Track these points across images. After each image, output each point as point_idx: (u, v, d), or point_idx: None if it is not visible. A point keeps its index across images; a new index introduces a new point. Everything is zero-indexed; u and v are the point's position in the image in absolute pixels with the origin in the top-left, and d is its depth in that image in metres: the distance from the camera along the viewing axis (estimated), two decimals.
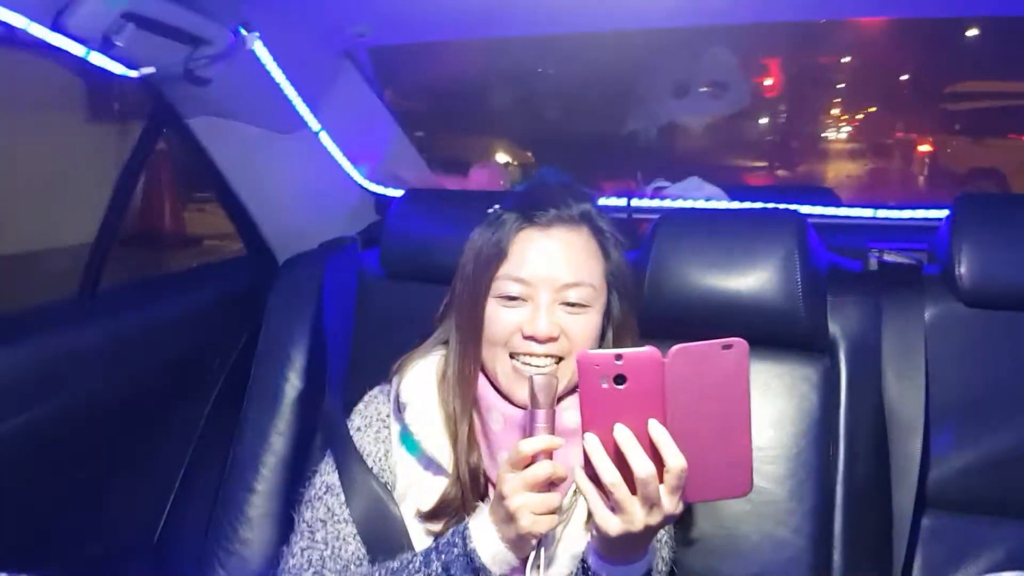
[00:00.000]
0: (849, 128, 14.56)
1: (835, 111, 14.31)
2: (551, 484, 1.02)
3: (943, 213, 1.52)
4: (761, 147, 12.12)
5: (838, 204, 1.92)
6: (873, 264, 1.60)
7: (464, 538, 1.07)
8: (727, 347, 0.89)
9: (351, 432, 1.27)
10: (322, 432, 1.52)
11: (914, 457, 1.39)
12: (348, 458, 1.24)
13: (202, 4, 1.35)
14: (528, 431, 1.04)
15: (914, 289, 1.48)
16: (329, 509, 1.21)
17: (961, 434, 1.43)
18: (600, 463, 0.91)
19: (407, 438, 1.23)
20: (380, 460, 1.24)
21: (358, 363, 1.54)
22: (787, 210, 1.57)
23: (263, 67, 1.55)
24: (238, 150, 1.72)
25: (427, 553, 1.10)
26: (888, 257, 1.59)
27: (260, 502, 1.61)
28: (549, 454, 1.01)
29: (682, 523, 1.36)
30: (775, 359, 1.45)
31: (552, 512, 1.03)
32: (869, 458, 1.41)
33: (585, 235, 1.21)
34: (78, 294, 1.62)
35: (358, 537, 1.19)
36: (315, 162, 1.89)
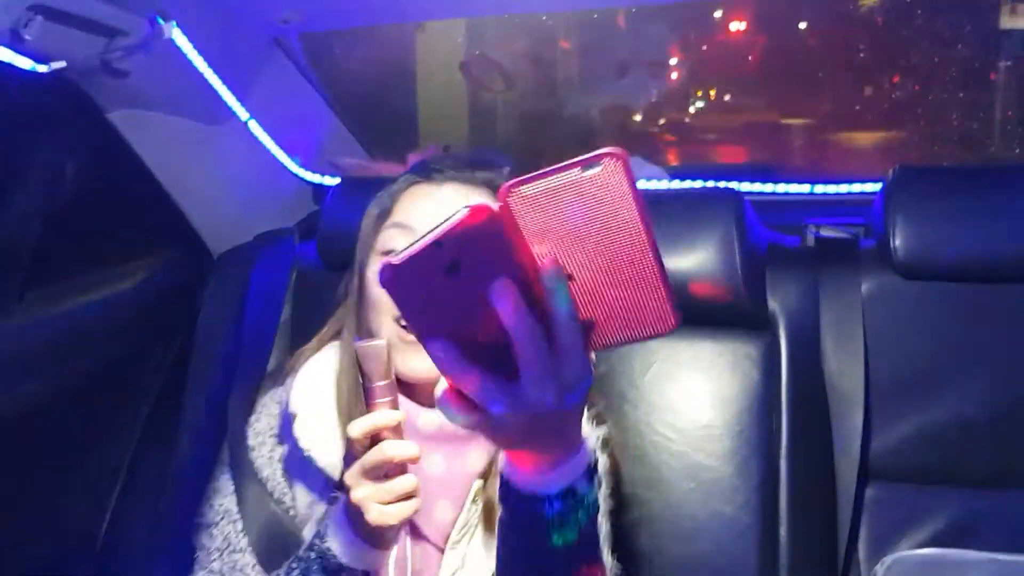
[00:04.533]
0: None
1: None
2: (400, 467, 0.89)
3: (879, 186, 1.53)
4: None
5: (776, 181, 1.93)
6: (810, 239, 1.61)
7: (320, 537, 0.97)
8: (588, 167, 0.61)
9: (248, 452, 1.15)
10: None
11: (856, 429, 1.41)
12: (244, 480, 1.14)
13: None
14: (363, 409, 0.90)
15: (851, 263, 1.49)
16: (226, 538, 1.11)
17: (901, 405, 1.45)
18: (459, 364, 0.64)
19: (300, 453, 1.09)
20: (279, 482, 1.12)
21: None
22: (725, 188, 1.56)
23: (184, 57, 1.50)
24: (164, 144, 1.66)
25: (291, 561, 1.00)
26: (825, 232, 1.61)
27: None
28: (395, 433, 0.88)
29: (626, 503, 1.37)
30: (717, 338, 1.45)
31: (407, 498, 0.90)
32: (812, 432, 1.42)
33: (484, 196, 1.08)
34: (3, 298, 1.56)
35: (257, 567, 1.08)
36: (246, 153, 1.84)
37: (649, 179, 2.02)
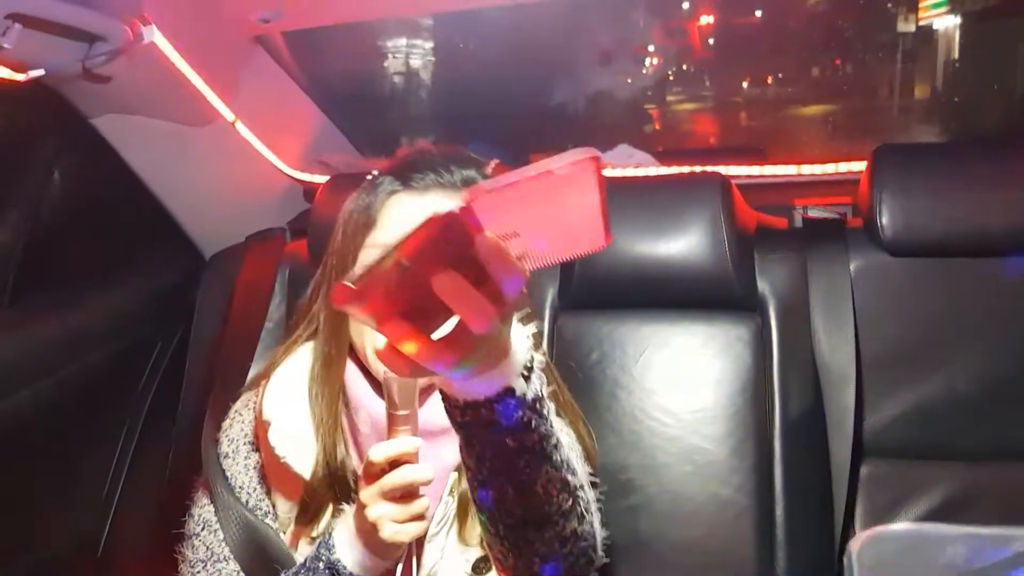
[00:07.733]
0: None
1: None
2: (415, 489, 0.94)
3: (864, 166, 1.54)
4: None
5: (763, 163, 1.93)
6: (798, 220, 1.61)
7: (328, 548, 1.00)
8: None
9: (220, 459, 1.14)
10: None
11: (848, 407, 1.41)
12: (220, 490, 1.12)
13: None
14: (387, 434, 0.94)
15: (838, 242, 1.50)
16: (208, 548, 1.11)
17: (893, 382, 1.45)
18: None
19: (276, 459, 1.09)
20: (254, 491, 1.12)
21: None
22: (712, 173, 1.57)
23: (167, 59, 1.49)
24: (151, 147, 1.67)
25: (296, 571, 1.03)
26: (812, 212, 1.61)
27: None
28: (414, 458, 0.93)
29: (624, 489, 1.38)
30: (709, 321, 1.46)
31: (418, 518, 0.95)
32: (805, 411, 1.43)
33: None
34: None
35: (242, 574, 1.09)
36: (234, 153, 1.83)
37: (638, 166, 2.02)
